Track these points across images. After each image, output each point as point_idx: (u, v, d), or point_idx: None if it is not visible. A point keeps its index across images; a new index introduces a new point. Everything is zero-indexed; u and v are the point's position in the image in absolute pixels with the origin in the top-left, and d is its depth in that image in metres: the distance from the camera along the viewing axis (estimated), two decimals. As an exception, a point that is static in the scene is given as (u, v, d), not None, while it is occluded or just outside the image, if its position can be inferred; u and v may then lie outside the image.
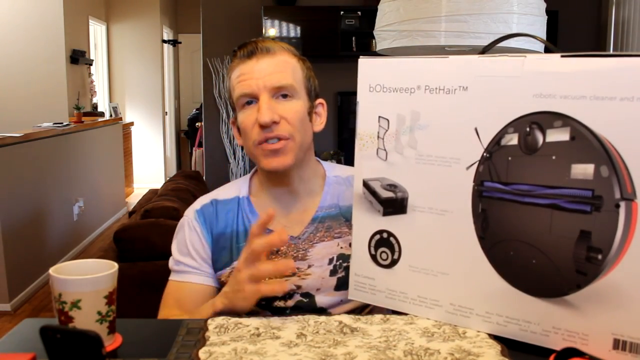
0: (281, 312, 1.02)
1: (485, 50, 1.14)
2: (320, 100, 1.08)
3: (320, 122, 1.08)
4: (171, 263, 1.08)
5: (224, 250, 1.05)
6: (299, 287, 1.02)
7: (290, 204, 1.06)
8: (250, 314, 1.03)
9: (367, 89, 0.86)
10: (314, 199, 1.07)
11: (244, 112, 1.00)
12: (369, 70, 0.86)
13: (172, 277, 1.08)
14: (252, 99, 0.99)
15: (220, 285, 1.05)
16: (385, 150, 0.85)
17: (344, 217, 1.06)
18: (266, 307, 1.02)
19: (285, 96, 0.99)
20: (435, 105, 0.80)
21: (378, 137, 0.86)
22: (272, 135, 0.97)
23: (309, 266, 1.03)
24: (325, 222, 1.06)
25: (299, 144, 1.00)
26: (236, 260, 1.03)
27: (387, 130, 0.85)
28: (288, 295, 1.02)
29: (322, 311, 1.03)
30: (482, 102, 0.77)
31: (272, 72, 0.98)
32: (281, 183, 1.05)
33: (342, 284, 1.01)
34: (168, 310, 1.05)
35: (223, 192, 1.10)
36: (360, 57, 0.87)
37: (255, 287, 0.86)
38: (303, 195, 1.07)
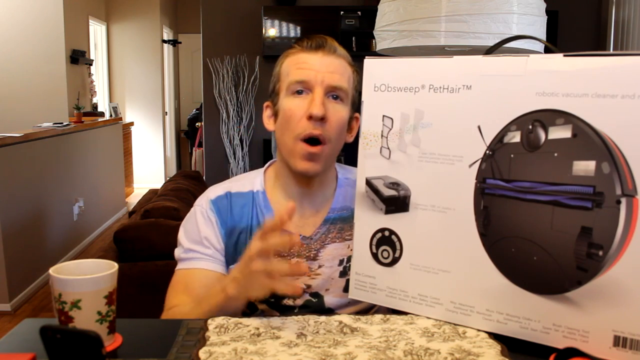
0: (289, 311, 1.02)
1: (490, 51, 1.14)
2: (357, 114, 1.07)
3: (351, 135, 1.07)
4: (179, 252, 1.05)
5: (237, 244, 1.03)
6: (308, 286, 1.02)
7: (304, 204, 1.06)
8: (257, 312, 1.03)
9: (372, 89, 0.87)
10: (327, 200, 1.08)
11: (293, 100, 1.00)
12: (374, 70, 0.87)
13: (180, 265, 1.04)
14: (304, 89, 0.99)
15: None
16: (388, 148, 0.86)
17: None
18: (274, 305, 1.02)
19: (336, 98, 1.00)
20: (439, 104, 0.81)
21: (382, 135, 0.86)
22: (317, 133, 0.97)
23: (320, 266, 1.03)
24: (337, 223, 1.06)
25: (332, 151, 1.01)
26: None
27: (391, 129, 0.85)
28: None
29: (330, 312, 1.03)
30: (485, 100, 0.77)
31: (334, 71, 0.99)
32: (303, 183, 1.05)
33: None
34: (176, 296, 1.01)
35: (237, 185, 1.08)
36: (366, 57, 0.88)
37: (270, 282, 0.82)
38: (318, 196, 1.07)
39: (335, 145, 1.01)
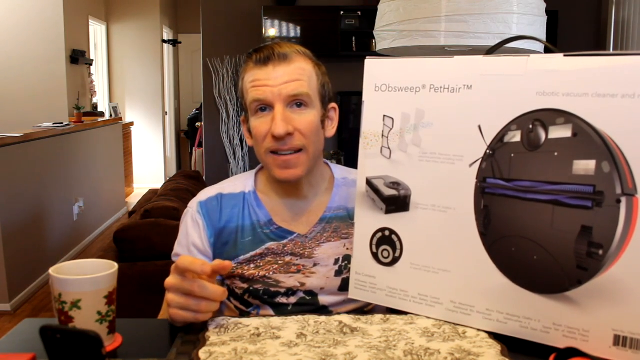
0: (283, 309, 1.02)
1: (491, 51, 1.14)
2: (332, 104, 1.07)
3: (332, 127, 1.07)
4: (172, 256, 1.08)
5: (227, 245, 1.04)
6: (302, 284, 1.02)
7: (297, 204, 1.06)
8: (251, 307, 1.03)
9: (372, 89, 0.87)
10: (321, 199, 1.08)
11: (258, 118, 0.99)
12: (375, 70, 0.87)
13: None
14: (265, 106, 0.98)
15: (222, 279, 1.05)
16: (389, 148, 0.86)
17: (352, 219, 1.05)
18: (268, 302, 1.02)
19: (300, 105, 0.98)
20: (440, 104, 0.81)
21: (382, 135, 0.86)
22: (286, 148, 0.97)
23: (315, 265, 1.03)
24: (333, 222, 1.06)
25: (311, 156, 1.00)
26: (241, 255, 1.03)
27: (391, 129, 0.85)
28: (291, 292, 1.02)
29: (325, 309, 1.03)
30: (486, 100, 0.77)
31: (288, 80, 0.97)
32: (290, 189, 1.05)
33: (347, 285, 1.01)
34: (165, 303, 1.04)
35: (229, 186, 1.09)
36: (367, 57, 0.88)
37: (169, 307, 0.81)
38: (310, 197, 1.07)
39: (314, 149, 1.00)
